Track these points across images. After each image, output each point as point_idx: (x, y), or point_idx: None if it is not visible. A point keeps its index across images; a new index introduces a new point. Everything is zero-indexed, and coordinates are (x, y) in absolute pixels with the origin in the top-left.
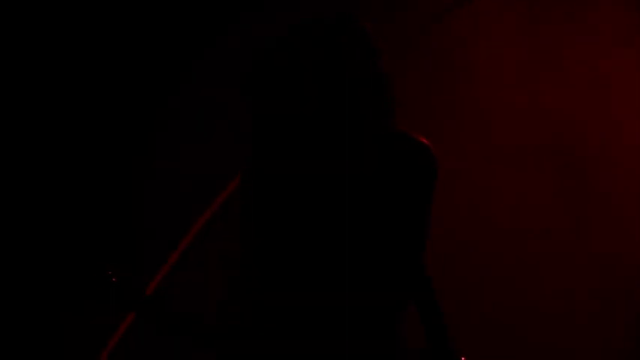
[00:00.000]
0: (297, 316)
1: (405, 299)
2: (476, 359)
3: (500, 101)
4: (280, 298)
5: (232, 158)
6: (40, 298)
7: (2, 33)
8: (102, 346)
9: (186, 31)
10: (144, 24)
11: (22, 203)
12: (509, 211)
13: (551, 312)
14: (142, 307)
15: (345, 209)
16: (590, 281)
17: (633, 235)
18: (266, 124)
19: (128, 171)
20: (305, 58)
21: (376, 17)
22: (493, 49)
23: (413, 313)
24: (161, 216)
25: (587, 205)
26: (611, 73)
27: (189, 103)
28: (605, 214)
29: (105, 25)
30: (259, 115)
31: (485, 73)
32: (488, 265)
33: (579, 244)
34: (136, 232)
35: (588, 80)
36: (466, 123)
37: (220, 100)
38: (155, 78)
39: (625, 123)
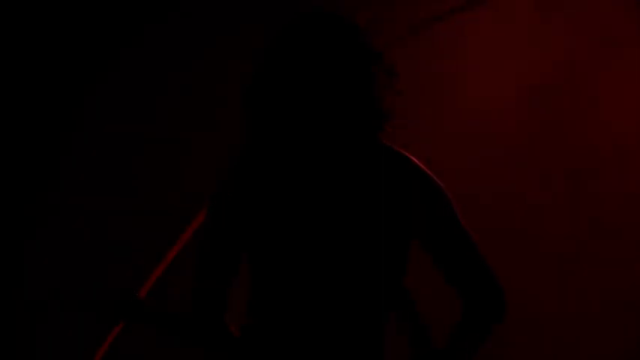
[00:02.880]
0: (285, 321)
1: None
2: None
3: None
4: (267, 304)
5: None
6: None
7: None
8: (95, 348)
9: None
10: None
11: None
12: (511, 216)
13: (550, 313)
14: (134, 310)
15: (329, 216)
16: (591, 282)
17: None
18: (264, 130)
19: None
20: (307, 62)
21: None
22: (489, 58)
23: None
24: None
25: (592, 206)
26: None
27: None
28: (609, 215)
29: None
30: (258, 121)
31: (479, 82)
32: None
33: (581, 246)
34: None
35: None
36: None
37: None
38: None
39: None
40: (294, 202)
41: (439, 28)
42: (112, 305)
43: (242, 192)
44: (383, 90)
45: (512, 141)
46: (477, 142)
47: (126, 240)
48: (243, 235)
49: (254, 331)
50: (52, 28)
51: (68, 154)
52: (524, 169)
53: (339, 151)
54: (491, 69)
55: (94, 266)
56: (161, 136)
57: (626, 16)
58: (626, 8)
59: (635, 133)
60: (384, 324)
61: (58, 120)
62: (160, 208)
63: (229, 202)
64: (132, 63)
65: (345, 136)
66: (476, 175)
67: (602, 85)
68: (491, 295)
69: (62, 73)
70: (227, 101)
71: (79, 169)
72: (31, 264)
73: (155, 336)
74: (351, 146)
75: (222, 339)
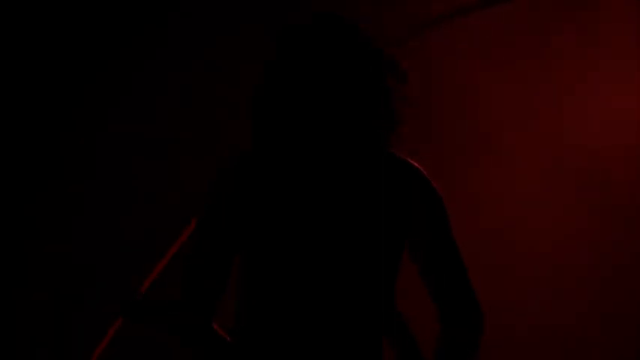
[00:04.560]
0: (283, 325)
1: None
2: None
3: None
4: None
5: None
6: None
7: None
8: (93, 347)
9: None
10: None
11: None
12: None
13: (548, 314)
14: (133, 309)
15: (329, 219)
16: (592, 285)
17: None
18: (269, 131)
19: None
20: (315, 68)
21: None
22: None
23: None
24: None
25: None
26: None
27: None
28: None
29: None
30: (263, 125)
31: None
32: (487, 266)
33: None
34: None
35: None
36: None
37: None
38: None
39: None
40: (294, 205)
41: (439, 30)
42: (113, 304)
43: (242, 192)
44: (393, 96)
45: (513, 140)
46: (477, 143)
47: (126, 240)
48: (240, 235)
49: (250, 335)
50: (52, 28)
51: (68, 154)
52: (524, 168)
53: (342, 156)
54: (492, 70)
55: (93, 266)
56: (161, 136)
57: (626, 17)
58: (625, 8)
59: (636, 134)
60: (382, 329)
61: (58, 120)
62: (160, 208)
63: (229, 201)
64: (132, 63)
65: (351, 141)
66: (474, 177)
67: (602, 84)
68: (467, 308)
69: (62, 73)
70: (227, 101)
71: (80, 169)
72: (31, 264)
73: (155, 336)
74: (355, 152)
75: (209, 340)
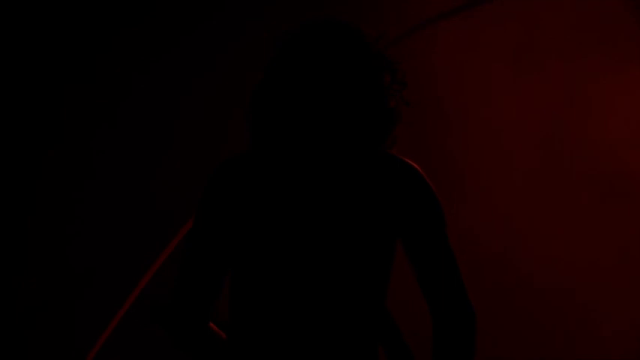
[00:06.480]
0: (275, 325)
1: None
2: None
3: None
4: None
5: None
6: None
7: None
8: (90, 345)
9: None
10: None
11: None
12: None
13: (549, 311)
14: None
15: (323, 222)
16: (592, 280)
17: None
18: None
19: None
20: (313, 71)
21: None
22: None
23: None
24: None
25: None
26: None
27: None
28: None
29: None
30: (261, 125)
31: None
32: (500, 262)
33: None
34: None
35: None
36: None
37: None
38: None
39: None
40: (290, 205)
41: (439, 30)
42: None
43: (239, 193)
44: (392, 96)
45: (514, 139)
46: (477, 143)
47: (125, 240)
48: (236, 236)
49: (243, 336)
50: (52, 28)
51: (69, 154)
52: (525, 168)
53: (340, 157)
54: (493, 69)
55: (93, 266)
56: (161, 135)
57: (625, 16)
58: (625, 8)
59: (635, 133)
60: (376, 329)
61: (58, 120)
62: (160, 208)
63: (225, 202)
64: (132, 63)
65: (349, 141)
66: (475, 177)
67: (602, 86)
68: (459, 308)
69: (62, 74)
70: (227, 101)
71: (80, 170)
72: (31, 264)
73: (155, 336)
74: (353, 152)
75: (206, 341)
